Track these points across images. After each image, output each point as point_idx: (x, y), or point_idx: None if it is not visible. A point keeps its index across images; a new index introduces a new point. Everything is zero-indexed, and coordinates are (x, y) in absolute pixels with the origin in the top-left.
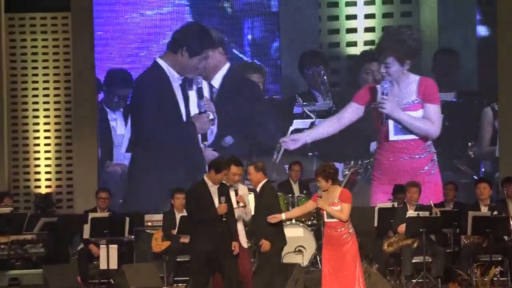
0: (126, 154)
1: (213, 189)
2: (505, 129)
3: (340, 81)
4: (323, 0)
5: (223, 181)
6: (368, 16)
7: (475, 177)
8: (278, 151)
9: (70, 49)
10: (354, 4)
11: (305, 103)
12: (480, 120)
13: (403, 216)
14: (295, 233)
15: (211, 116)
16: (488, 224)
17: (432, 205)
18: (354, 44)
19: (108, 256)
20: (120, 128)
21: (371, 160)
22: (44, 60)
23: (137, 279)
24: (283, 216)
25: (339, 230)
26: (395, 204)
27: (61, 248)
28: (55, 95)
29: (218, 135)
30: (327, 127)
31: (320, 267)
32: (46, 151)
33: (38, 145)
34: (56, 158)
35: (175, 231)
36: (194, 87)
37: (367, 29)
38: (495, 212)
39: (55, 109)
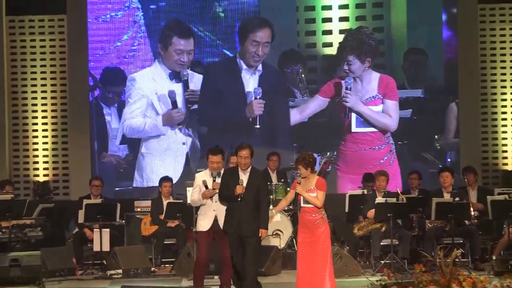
0: (121, 146)
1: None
2: (465, 123)
3: (317, 79)
4: (301, 4)
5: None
6: (343, 19)
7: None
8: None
9: (66, 49)
10: (330, 8)
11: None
12: (446, 114)
13: (372, 202)
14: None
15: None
16: (450, 209)
17: (399, 192)
18: (329, 44)
19: (101, 239)
20: (115, 122)
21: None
22: (42, 59)
23: (128, 260)
24: (274, 212)
25: (313, 215)
26: (365, 191)
27: (58, 231)
28: (52, 91)
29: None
30: (293, 116)
31: (295, 249)
32: (44, 143)
33: (37, 137)
34: (53, 149)
35: (162, 216)
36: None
37: (342, 31)
38: (457, 199)
39: (52, 104)
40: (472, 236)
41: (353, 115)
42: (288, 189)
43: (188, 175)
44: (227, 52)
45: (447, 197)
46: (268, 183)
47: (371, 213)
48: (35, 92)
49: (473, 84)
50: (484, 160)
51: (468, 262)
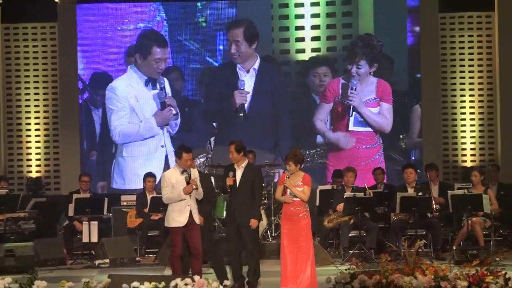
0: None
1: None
2: (428, 123)
3: (291, 82)
4: (276, 13)
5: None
6: (314, 27)
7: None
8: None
9: (57, 54)
10: (302, 16)
11: None
12: (410, 116)
13: (341, 197)
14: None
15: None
16: (413, 203)
17: (366, 187)
18: (302, 51)
19: (89, 231)
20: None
21: (318, 150)
22: (34, 64)
23: (115, 250)
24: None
25: (298, 208)
26: (334, 186)
27: (49, 224)
28: (44, 94)
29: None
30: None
31: (270, 240)
32: (36, 141)
33: (30, 136)
34: (45, 148)
35: (146, 210)
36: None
37: (314, 38)
38: (420, 193)
39: (44, 106)
40: (434, 228)
41: (352, 116)
42: (263, 184)
43: None
44: (209, 59)
45: (410, 191)
46: None
47: (340, 206)
48: (28, 94)
49: (434, 87)
50: (445, 158)
51: (430, 252)
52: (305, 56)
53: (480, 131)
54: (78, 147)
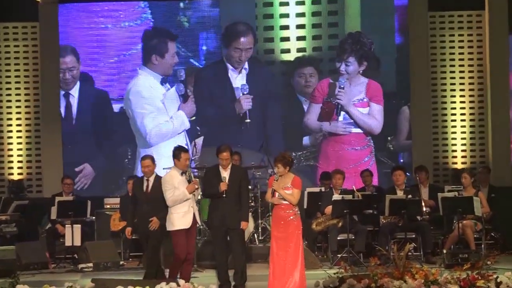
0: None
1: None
2: (417, 124)
3: (276, 83)
4: (260, 13)
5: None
6: (300, 27)
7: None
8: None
9: (38, 54)
10: (287, 15)
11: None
12: (398, 117)
13: (330, 199)
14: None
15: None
16: (403, 206)
17: (355, 189)
18: (287, 51)
19: (72, 234)
20: None
21: (305, 152)
22: (16, 64)
23: (98, 254)
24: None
25: (287, 212)
26: (323, 189)
27: (32, 227)
28: (26, 94)
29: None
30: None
31: (257, 243)
32: (18, 143)
33: (11, 137)
34: (27, 149)
35: None
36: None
37: (299, 38)
38: (409, 196)
39: (26, 107)
40: (424, 231)
41: (341, 116)
42: (250, 187)
43: None
44: (192, 61)
45: (400, 194)
46: None
47: (329, 209)
48: (9, 95)
49: (424, 88)
50: (435, 159)
51: (420, 255)
52: (290, 56)
53: (471, 132)
54: (61, 149)
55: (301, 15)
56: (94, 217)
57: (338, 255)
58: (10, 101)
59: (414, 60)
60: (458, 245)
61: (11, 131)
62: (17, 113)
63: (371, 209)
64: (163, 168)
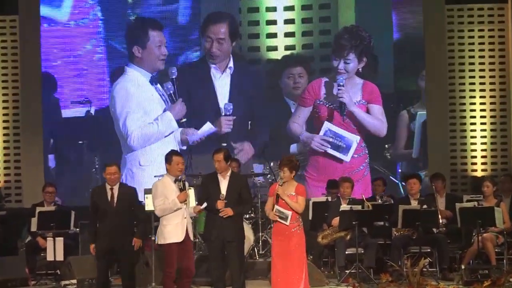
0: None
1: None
2: (433, 128)
3: (262, 83)
4: (244, 6)
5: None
6: (288, 22)
7: (392, 178)
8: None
9: (18, 50)
10: (274, 9)
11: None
12: (396, 123)
13: (337, 210)
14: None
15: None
16: (417, 217)
17: (365, 199)
18: (274, 48)
19: (54, 248)
20: None
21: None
22: None
23: (83, 270)
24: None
25: (291, 222)
26: (329, 198)
27: (10, 240)
28: (4, 94)
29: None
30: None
31: (257, 258)
32: None
33: None
34: (5, 155)
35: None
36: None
37: (287, 34)
38: (425, 206)
39: (4, 108)
40: (440, 245)
41: (325, 124)
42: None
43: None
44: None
45: (414, 204)
46: None
47: (336, 221)
48: None
49: (441, 88)
50: (452, 166)
51: (436, 271)
52: (277, 55)
53: (491, 136)
54: (42, 155)
55: (290, 8)
56: (78, 229)
57: (346, 271)
58: None
59: (430, 57)
60: (477, 260)
61: None
62: None
63: (382, 221)
64: (154, 176)
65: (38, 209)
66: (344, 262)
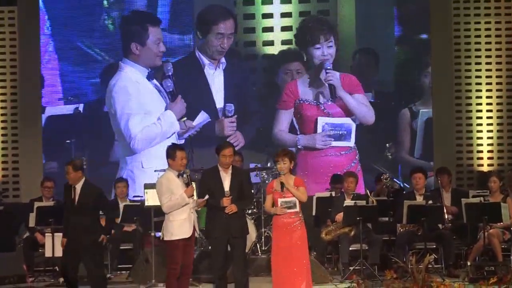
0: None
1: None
2: (439, 122)
3: (257, 80)
4: None
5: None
6: (285, 15)
7: (395, 180)
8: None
9: (17, 42)
10: (270, 2)
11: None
12: (398, 121)
13: (341, 205)
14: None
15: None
16: (423, 212)
17: (369, 194)
18: (271, 43)
19: (53, 244)
20: None
21: None
22: None
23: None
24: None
25: (291, 218)
26: (333, 194)
27: (7, 236)
28: (1, 87)
29: None
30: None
31: (259, 254)
32: None
33: None
34: (3, 149)
35: (118, 220)
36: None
37: (284, 28)
38: (430, 201)
39: (2, 101)
40: (446, 241)
41: (319, 120)
42: (252, 191)
43: None
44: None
45: (419, 199)
46: None
47: (340, 216)
48: None
49: (446, 81)
50: (458, 161)
51: (442, 268)
52: (274, 50)
53: (498, 131)
54: (40, 149)
55: (287, 1)
56: None
57: (350, 268)
58: None
59: (436, 50)
60: (483, 256)
61: None
62: None
63: (387, 216)
64: (155, 171)
65: (37, 204)
66: (348, 258)
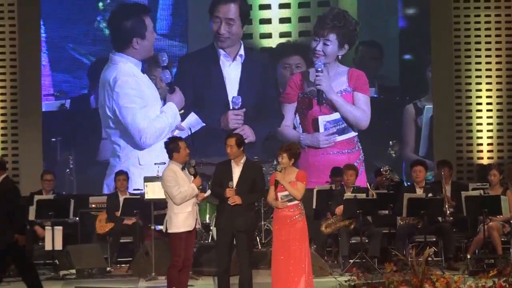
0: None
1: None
2: (439, 115)
3: (254, 75)
4: None
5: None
6: (283, 6)
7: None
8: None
9: (16, 35)
10: None
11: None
12: (402, 117)
13: (341, 198)
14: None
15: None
16: (422, 205)
17: (369, 187)
18: (268, 36)
19: (53, 237)
20: None
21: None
22: None
23: (82, 259)
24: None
25: (291, 211)
26: (333, 187)
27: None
28: (1, 80)
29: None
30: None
31: (260, 247)
32: None
33: None
34: (2, 141)
35: (118, 213)
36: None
37: (282, 20)
38: (430, 194)
39: (1, 94)
40: (446, 234)
41: (320, 119)
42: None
43: None
44: (175, 42)
45: (419, 192)
46: None
47: (340, 209)
48: None
49: (446, 74)
50: (458, 154)
51: (442, 261)
52: (272, 43)
53: (498, 124)
54: (40, 141)
55: None
56: (77, 218)
57: (350, 261)
58: None
59: (435, 44)
60: (483, 249)
61: None
62: None
63: (387, 209)
64: (155, 163)
65: (37, 197)
66: (347, 251)
